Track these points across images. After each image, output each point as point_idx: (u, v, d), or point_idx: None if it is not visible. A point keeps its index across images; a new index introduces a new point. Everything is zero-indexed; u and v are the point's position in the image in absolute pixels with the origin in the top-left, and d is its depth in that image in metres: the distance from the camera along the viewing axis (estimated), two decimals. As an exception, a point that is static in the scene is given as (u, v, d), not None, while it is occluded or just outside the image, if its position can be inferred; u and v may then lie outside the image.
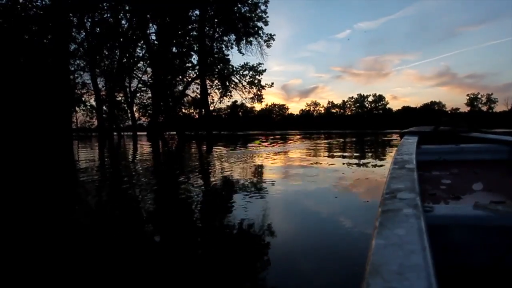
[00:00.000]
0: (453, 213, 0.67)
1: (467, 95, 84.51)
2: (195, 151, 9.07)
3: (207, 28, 28.86)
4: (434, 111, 79.26)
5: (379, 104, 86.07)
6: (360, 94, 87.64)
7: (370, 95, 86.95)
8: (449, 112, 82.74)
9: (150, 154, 8.33)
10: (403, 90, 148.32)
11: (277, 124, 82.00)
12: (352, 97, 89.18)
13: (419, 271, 0.35)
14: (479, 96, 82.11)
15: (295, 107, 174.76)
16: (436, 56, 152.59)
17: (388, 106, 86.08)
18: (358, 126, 70.02)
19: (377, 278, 0.34)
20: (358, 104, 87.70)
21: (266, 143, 12.04)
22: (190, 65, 28.35)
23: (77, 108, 27.10)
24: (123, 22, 26.45)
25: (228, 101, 36.53)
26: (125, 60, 26.44)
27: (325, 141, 13.22)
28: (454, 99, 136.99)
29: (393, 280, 0.34)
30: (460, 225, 0.65)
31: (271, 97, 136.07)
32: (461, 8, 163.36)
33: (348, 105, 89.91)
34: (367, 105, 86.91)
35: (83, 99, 26.78)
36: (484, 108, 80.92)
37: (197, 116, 30.58)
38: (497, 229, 0.63)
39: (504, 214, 0.64)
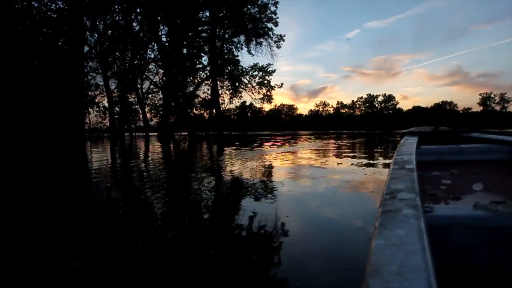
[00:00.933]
0: (453, 213, 0.68)
1: (480, 94, 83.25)
2: (218, 153, 9.16)
3: (218, 29, 29.08)
4: (446, 111, 78.08)
5: (389, 104, 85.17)
6: (370, 94, 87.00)
7: (379, 95, 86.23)
8: (461, 111, 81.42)
9: (168, 156, 8.48)
10: (414, 89, 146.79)
11: (286, 125, 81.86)
12: (362, 97, 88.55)
13: (419, 271, 0.35)
14: (492, 95, 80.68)
15: (304, 108, 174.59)
16: (447, 55, 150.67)
17: (398, 106, 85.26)
18: (368, 126, 69.41)
19: (377, 279, 0.35)
20: (367, 104, 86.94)
21: (279, 143, 12.15)
22: (200, 66, 28.63)
23: (90, 109, 27.58)
24: (134, 24, 26.82)
25: (238, 102, 36.72)
26: (136, 62, 26.80)
27: (336, 141, 13.21)
28: (466, 98, 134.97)
29: (393, 281, 0.34)
30: (460, 225, 0.66)
31: (280, 98, 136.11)
32: (472, 6, 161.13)
33: (357, 105, 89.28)
34: (376, 105, 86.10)
35: (96, 100, 27.22)
36: (498, 108, 79.44)
37: (207, 117, 30.83)
38: (497, 229, 0.64)
39: (504, 214, 0.65)
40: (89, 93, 25.92)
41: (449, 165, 1.39)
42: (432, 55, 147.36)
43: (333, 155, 6.79)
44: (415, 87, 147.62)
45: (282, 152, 7.90)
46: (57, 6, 20.79)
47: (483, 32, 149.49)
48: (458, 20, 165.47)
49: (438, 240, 0.64)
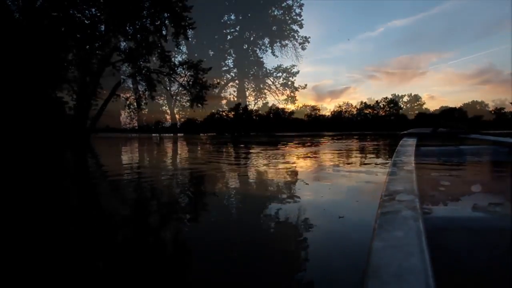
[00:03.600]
0: (451, 215, 0.69)
1: (514, 93, 79.35)
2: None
3: (243, 32, 29.46)
4: (476, 111, 74.96)
5: (415, 104, 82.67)
6: (395, 94, 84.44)
7: (405, 95, 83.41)
8: (492, 112, 77.95)
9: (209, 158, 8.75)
10: (441, 89, 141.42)
11: (308, 126, 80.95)
12: (386, 97, 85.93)
13: (417, 273, 0.36)
14: (527, 94, 76.72)
15: (326, 108, 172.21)
16: (477, 53, 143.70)
17: (424, 106, 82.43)
18: (393, 127, 67.71)
19: (375, 280, 0.35)
20: (392, 105, 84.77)
21: (318, 144, 12.29)
22: (226, 68, 29.11)
23: (121, 111, 28.61)
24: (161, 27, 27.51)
25: (262, 103, 37.02)
26: (164, 64, 27.53)
27: (364, 142, 13.14)
28: (499, 98, 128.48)
29: (392, 282, 0.34)
30: (459, 226, 0.66)
31: (302, 98, 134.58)
32: (505, 1, 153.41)
33: (381, 106, 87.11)
34: (402, 106, 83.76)
35: (128, 102, 28.12)
36: (533, 108, 75.42)
37: (232, 117, 31.27)
38: (495, 231, 0.64)
39: (503, 216, 0.65)
40: (121, 95, 26.87)
41: (448, 166, 1.39)
42: (461, 53, 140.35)
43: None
44: (443, 86, 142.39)
45: (317, 152, 8.04)
46: (89, 13, 21.85)
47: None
48: (490, 15, 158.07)
49: (436, 241, 0.64)
